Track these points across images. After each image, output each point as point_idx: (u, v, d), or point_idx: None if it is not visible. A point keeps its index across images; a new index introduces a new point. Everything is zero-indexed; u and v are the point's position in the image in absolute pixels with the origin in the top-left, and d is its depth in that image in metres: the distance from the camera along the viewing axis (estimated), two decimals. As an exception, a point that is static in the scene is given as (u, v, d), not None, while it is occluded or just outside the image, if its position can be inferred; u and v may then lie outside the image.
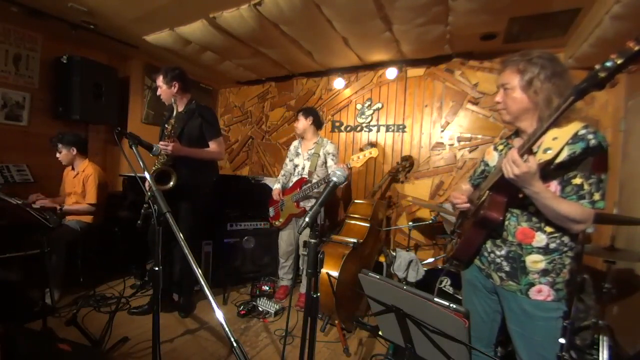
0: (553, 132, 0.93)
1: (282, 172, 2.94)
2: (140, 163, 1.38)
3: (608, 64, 0.78)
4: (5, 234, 2.19)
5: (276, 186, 2.83)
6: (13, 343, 1.36)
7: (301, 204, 2.68)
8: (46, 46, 3.15)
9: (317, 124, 2.82)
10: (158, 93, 2.39)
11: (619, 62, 0.76)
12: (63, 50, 3.15)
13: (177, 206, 2.33)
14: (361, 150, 2.43)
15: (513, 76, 1.11)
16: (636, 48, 0.75)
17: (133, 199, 3.05)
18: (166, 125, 2.26)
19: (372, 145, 2.39)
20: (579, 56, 2.31)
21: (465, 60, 3.05)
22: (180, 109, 2.39)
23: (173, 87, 2.34)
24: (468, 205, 1.30)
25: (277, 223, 2.83)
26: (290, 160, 2.92)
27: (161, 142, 2.19)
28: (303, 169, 2.77)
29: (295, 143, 2.94)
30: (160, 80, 2.34)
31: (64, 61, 3.09)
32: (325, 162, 2.74)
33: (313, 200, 2.75)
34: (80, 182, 2.65)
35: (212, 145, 2.43)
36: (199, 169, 2.38)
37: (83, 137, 2.83)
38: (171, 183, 2.19)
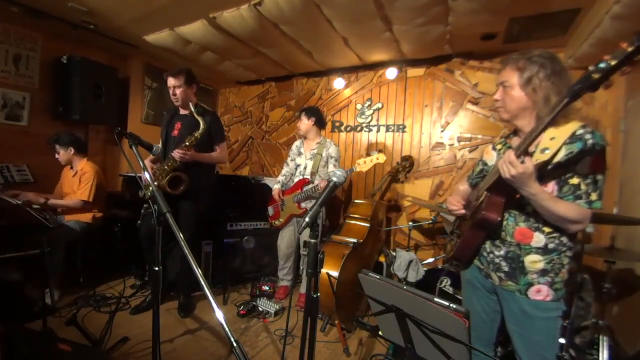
0: (550, 132, 0.93)
1: (283, 171, 2.92)
2: (140, 163, 1.38)
3: (602, 65, 0.78)
4: (5, 234, 2.19)
5: (276, 186, 2.82)
6: (13, 343, 1.36)
7: (302, 204, 2.68)
8: (46, 46, 3.15)
9: (320, 124, 2.80)
10: (175, 93, 2.30)
11: (612, 63, 0.76)
12: (63, 50, 3.15)
13: (179, 209, 2.33)
14: (368, 155, 2.38)
15: (512, 74, 1.11)
16: (629, 49, 0.74)
17: (133, 199, 3.05)
18: (189, 135, 2.23)
19: (380, 150, 2.35)
20: (579, 56, 2.31)
21: (465, 60, 3.05)
22: (186, 111, 2.39)
23: (192, 89, 2.35)
24: (464, 211, 1.31)
25: (276, 222, 2.83)
26: (292, 160, 2.90)
27: (177, 150, 2.19)
28: (305, 168, 2.76)
29: (297, 143, 2.92)
30: (180, 80, 2.28)
31: (64, 61, 3.10)
32: (327, 164, 2.72)
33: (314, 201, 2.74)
34: (77, 181, 2.64)
35: (218, 150, 2.46)
36: (201, 173, 2.38)
37: (80, 137, 2.80)
38: (182, 188, 2.21)
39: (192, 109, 2.25)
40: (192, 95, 2.39)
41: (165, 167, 2.24)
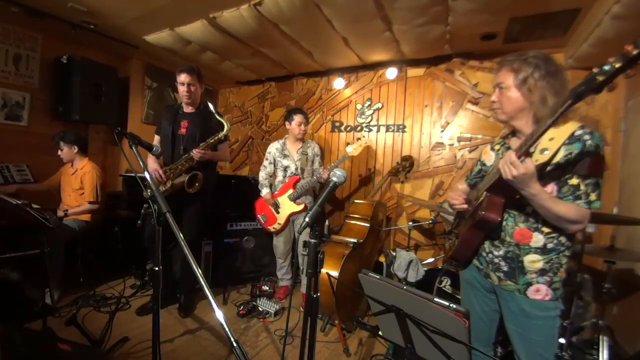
0: (550, 133, 0.94)
1: (264, 174, 2.82)
2: (140, 163, 1.38)
3: (606, 67, 0.76)
4: (5, 234, 2.19)
5: (266, 191, 2.76)
6: (13, 343, 1.36)
7: (299, 200, 2.70)
8: (46, 46, 3.15)
9: None
10: (190, 90, 2.30)
11: (617, 66, 0.75)
12: (63, 50, 3.15)
13: (182, 210, 2.34)
14: (354, 141, 2.50)
15: (508, 75, 1.11)
16: (634, 52, 0.73)
17: (133, 199, 3.05)
18: (212, 136, 2.27)
19: (362, 135, 2.54)
20: (579, 56, 2.31)
21: (465, 60, 3.05)
22: (191, 109, 2.40)
23: (202, 87, 2.37)
24: (466, 206, 1.31)
25: (275, 227, 2.80)
26: (270, 163, 2.84)
27: (197, 150, 2.20)
28: (296, 169, 2.78)
29: (277, 145, 2.85)
30: (195, 78, 2.30)
31: (64, 61, 3.09)
32: (313, 162, 2.83)
33: (310, 196, 2.82)
34: (78, 180, 2.67)
35: (221, 149, 2.47)
36: (207, 174, 2.38)
37: (84, 136, 2.84)
38: (197, 185, 2.24)
39: (213, 110, 2.27)
40: (201, 93, 2.41)
41: (179, 166, 2.25)
